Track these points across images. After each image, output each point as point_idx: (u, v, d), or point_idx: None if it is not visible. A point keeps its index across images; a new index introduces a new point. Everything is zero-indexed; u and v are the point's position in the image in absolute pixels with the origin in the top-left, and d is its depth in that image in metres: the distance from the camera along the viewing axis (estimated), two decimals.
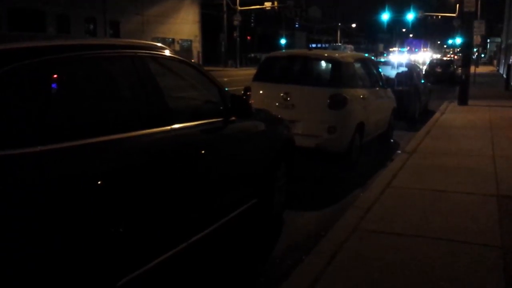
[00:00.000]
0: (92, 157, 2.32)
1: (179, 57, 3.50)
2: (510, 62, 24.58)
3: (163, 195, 2.79)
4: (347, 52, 65.10)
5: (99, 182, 2.28)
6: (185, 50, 49.40)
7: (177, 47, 48.10)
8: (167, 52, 3.29)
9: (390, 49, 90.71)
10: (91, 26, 37.97)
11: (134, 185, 2.54)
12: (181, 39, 48.65)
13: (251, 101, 6.77)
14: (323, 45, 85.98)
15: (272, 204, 4.34)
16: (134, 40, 3.20)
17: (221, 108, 3.64)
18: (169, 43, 47.17)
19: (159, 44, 3.41)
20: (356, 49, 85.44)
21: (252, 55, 58.67)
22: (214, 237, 3.45)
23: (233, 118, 3.63)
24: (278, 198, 4.46)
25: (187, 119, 3.18)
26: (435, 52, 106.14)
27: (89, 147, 2.30)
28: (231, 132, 3.65)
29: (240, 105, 3.67)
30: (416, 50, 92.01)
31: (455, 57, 60.11)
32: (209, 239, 3.37)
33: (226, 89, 3.92)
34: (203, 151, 3.20)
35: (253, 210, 4.07)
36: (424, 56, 77.28)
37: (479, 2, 22.65)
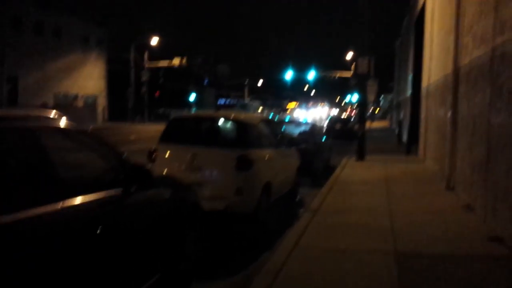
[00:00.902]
0: None
1: (74, 127, 3.29)
2: (401, 118, 27.18)
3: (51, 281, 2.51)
4: (252, 112, 67.91)
5: None
6: (90, 105, 47.66)
7: (80, 103, 46.24)
8: (61, 123, 3.08)
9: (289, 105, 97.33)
10: None
11: (14, 275, 2.24)
12: (85, 95, 46.91)
13: (156, 164, 6.65)
14: (232, 101, 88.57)
15: (178, 278, 4.12)
16: (23, 111, 2.96)
17: (121, 177, 3.45)
18: (72, 99, 45.26)
19: (54, 115, 3.18)
20: (263, 105, 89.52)
21: (161, 110, 58.31)
22: None
23: (134, 188, 3.46)
24: (185, 268, 4.26)
25: (81, 192, 2.96)
26: (335, 108, 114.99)
27: None
28: (131, 204, 3.45)
29: (141, 174, 3.51)
30: (313, 107, 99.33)
31: (353, 112, 65.31)
32: None
33: (125, 154, 3.74)
34: (99, 227, 2.96)
35: (157, 286, 3.82)
36: (322, 112, 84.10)
37: (371, 64, 25.14)
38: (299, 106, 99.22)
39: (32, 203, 2.50)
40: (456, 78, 8.21)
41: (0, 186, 2.48)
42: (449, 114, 8.56)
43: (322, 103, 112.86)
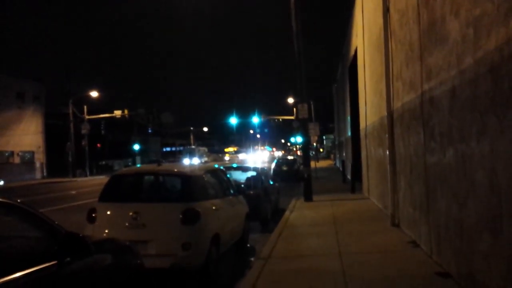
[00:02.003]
0: None
1: (2, 199, 3.07)
2: (344, 158, 28.05)
3: None
4: (200, 156, 68.00)
5: None
6: (27, 162, 45.49)
7: (17, 160, 44.07)
8: None
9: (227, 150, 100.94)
10: None
11: None
12: (21, 151, 44.84)
13: (96, 225, 6.31)
14: (178, 148, 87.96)
15: None
16: None
17: (55, 249, 3.22)
18: (8, 156, 43.03)
19: None
20: (210, 151, 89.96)
21: (104, 162, 56.70)
22: None
23: (69, 259, 3.23)
24: None
25: (11, 270, 2.71)
26: (279, 151, 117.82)
27: None
28: (66, 276, 3.21)
29: (75, 242, 3.29)
30: (254, 150, 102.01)
31: (299, 153, 66.76)
32: None
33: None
34: None
35: None
36: (263, 155, 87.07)
37: (312, 109, 26.08)
38: (242, 150, 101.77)
39: None
40: (391, 120, 8.64)
41: None
42: (387, 154, 8.92)
43: (262, 147, 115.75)
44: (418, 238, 7.10)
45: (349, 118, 21.89)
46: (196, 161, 46.67)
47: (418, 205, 6.87)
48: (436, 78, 5.45)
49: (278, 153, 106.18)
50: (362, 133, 15.29)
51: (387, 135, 8.79)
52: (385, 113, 8.89)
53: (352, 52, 17.84)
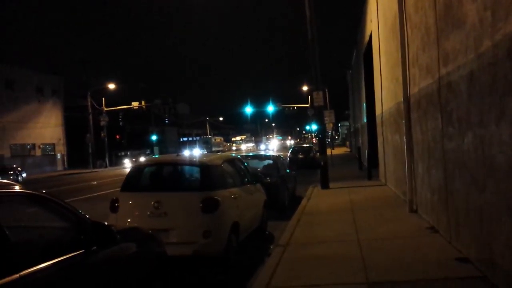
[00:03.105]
0: None
1: (30, 191, 3.19)
2: (360, 144, 27.90)
3: None
4: (215, 147, 68.06)
5: None
6: (48, 154, 46.45)
7: (38, 152, 45.06)
8: (16, 188, 2.99)
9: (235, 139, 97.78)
10: None
11: None
12: (42, 144, 45.80)
13: (119, 214, 6.48)
14: (194, 138, 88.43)
15: None
16: None
17: (82, 238, 3.35)
18: (29, 149, 43.98)
19: (6, 181, 3.10)
20: (225, 140, 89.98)
21: (123, 153, 57.54)
22: None
23: (95, 248, 3.35)
24: None
25: (40, 260, 2.83)
26: (291, 139, 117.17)
27: None
28: (93, 265, 3.34)
29: (101, 232, 3.42)
30: (266, 139, 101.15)
31: (314, 140, 66.48)
32: None
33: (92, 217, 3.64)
34: None
35: None
36: (273, 143, 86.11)
37: (327, 96, 25.94)
38: (251, 138, 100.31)
39: None
40: (408, 106, 8.58)
41: None
42: (404, 139, 8.88)
43: (271, 135, 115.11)
44: (436, 224, 7.09)
45: (364, 104, 21.72)
46: (196, 152, 46.61)
47: (437, 190, 6.86)
48: (454, 62, 5.40)
49: (290, 142, 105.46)
50: (378, 119, 15.19)
51: (404, 121, 8.75)
52: (401, 98, 8.83)
53: (367, 38, 17.64)
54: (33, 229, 3.88)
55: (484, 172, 4.56)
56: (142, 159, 38.92)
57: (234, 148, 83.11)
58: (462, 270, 5.11)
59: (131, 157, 51.21)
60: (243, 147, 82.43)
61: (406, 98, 8.59)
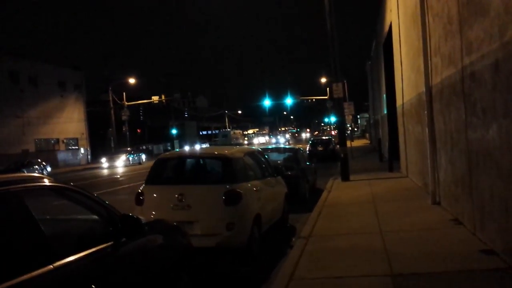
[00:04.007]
0: None
1: (59, 184, 3.30)
2: (380, 136, 27.62)
3: None
4: (234, 140, 67.58)
5: None
6: (71, 149, 47.39)
7: (62, 147, 46.02)
8: (45, 181, 3.10)
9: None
10: None
11: None
12: (66, 138, 46.78)
13: (145, 207, 6.62)
14: (213, 132, 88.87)
15: None
16: (6, 176, 2.96)
17: (111, 230, 3.45)
18: (53, 143, 44.94)
19: (36, 175, 3.21)
20: (244, 134, 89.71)
21: (144, 147, 58.36)
22: None
23: (124, 239, 3.45)
24: None
25: (72, 251, 2.93)
26: (314, 130, 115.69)
27: None
28: (122, 256, 3.43)
29: (130, 225, 3.51)
30: (279, 132, 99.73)
31: (333, 133, 66.04)
32: None
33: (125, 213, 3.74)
34: (92, 286, 2.93)
35: None
36: (285, 136, 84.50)
37: (345, 87, 25.71)
38: (263, 132, 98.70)
39: (19, 271, 2.46)
40: (430, 97, 8.48)
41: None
42: (426, 130, 8.79)
43: (284, 128, 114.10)
44: (460, 216, 7.03)
45: (384, 96, 21.47)
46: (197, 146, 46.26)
47: (460, 182, 6.79)
48: (477, 51, 5.32)
49: (306, 135, 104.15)
50: (399, 111, 15.02)
51: (426, 112, 8.65)
52: (423, 89, 8.72)
53: (387, 28, 17.40)
54: (64, 221, 4.01)
55: (510, 163, 4.50)
56: (121, 160, 38.28)
57: (245, 142, 77.62)
58: (487, 261, 5.07)
59: (151, 150, 51.17)
60: (255, 141, 79.62)
61: (428, 89, 8.49)
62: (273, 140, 75.84)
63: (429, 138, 8.66)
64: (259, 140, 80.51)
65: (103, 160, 38.73)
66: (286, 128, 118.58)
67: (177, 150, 42.40)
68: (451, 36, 6.62)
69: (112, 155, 39.61)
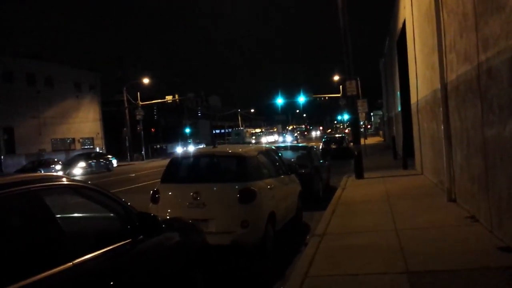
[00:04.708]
0: None
1: (77, 183, 3.37)
2: (394, 134, 27.41)
3: None
4: (247, 138, 66.70)
5: None
6: (87, 148, 48.02)
7: (78, 146, 46.64)
8: (64, 180, 3.17)
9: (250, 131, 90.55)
10: None
11: None
12: (82, 138, 47.44)
13: (160, 205, 6.69)
14: (227, 130, 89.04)
15: None
16: (26, 175, 3.03)
17: (128, 228, 3.51)
18: (69, 143, 45.58)
19: (55, 174, 3.28)
20: (255, 132, 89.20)
21: (158, 146, 58.77)
22: None
23: (141, 237, 3.51)
24: None
25: (90, 249, 2.99)
26: (326, 128, 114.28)
27: None
28: (140, 253, 3.48)
29: (148, 223, 3.57)
30: (287, 130, 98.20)
31: (346, 131, 65.56)
32: None
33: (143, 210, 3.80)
34: (110, 283, 2.98)
35: None
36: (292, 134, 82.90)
37: (359, 85, 25.52)
38: (270, 130, 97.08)
39: (40, 268, 2.52)
40: (445, 94, 8.40)
41: (11, 252, 2.51)
42: (441, 128, 8.71)
43: (293, 126, 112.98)
44: (477, 213, 6.96)
45: (398, 93, 21.29)
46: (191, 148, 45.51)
47: (477, 179, 6.72)
48: (494, 47, 5.26)
49: (316, 133, 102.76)
50: (413, 108, 14.89)
51: (441, 109, 8.57)
52: (438, 86, 8.64)
53: (400, 25, 17.25)
54: (82, 219, 4.08)
55: None
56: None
57: (253, 141, 73.34)
58: (505, 259, 5.01)
59: (165, 149, 50.49)
60: (263, 140, 76.45)
61: (443, 85, 8.41)
62: (280, 139, 74.77)
63: (444, 135, 8.58)
64: (268, 139, 78.74)
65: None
66: (295, 126, 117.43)
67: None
68: (466, 32, 6.55)
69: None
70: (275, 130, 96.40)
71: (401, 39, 17.47)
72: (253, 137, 78.40)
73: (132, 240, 3.44)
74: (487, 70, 5.63)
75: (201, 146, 46.62)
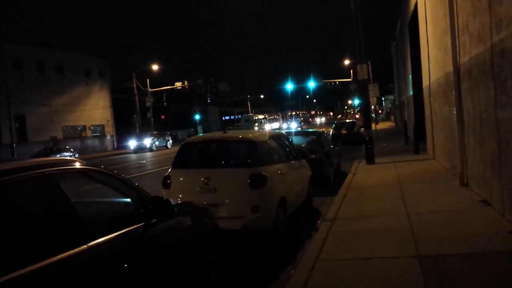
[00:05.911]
0: None
1: (91, 167, 3.41)
2: (406, 118, 27.16)
3: None
4: (257, 124, 65.70)
5: None
6: (98, 135, 48.38)
7: (89, 133, 47.02)
8: (77, 165, 3.20)
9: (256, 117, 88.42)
10: None
11: None
12: (92, 125, 47.75)
13: (172, 190, 6.75)
14: (236, 117, 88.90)
15: None
16: (40, 160, 3.07)
17: (141, 211, 3.55)
18: (80, 130, 45.96)
19: (69, 158, 3.32)
20: (266, 118, 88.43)
21: (168, 133, 58.98)
22: None
23: (154, 220, 3.55)
24: None
25: (105, 232, 3.04)
26: (337, 113, 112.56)
27: None
28: (153, 237, 3.53)
29: (161, 206, 3.60)
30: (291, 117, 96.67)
31: (357, 116, 65.09)
32: None
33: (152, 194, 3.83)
34: (124, 265, 3.04)
35: None
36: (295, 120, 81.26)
37: (370, 69, 25.27)
38: (278, 116, 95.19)
39: (56, 250, 2.58)
40: (458, 76, 8.28)
41: (27, 235, 2.56)
42: (454, 111, 8.61)
43: (296, 112, 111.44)
44: (489, 197, 6.91)
45: (410, 76, 21.03)
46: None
47: (490, 162, 6.66)
48: (507, 28, 5.16)
49: (321, 119, 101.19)
50: (425, 91, 14.72)
51: (453, 92, 8.46)
52: (451, 68, 8.52)
53: (412, 7, 16.96)
54: (96, 203, 4.13)
55: None
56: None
57: (255, 128, 69.11)
58: None
59: (175, 136, 51.31)
60: (267, 126, 72.28)
61: (456, 68, 8.28)
62: (285, 126, 73.44)
63: (457, 119, 8.48)
64: (272, 126, 77.19)
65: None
66: (298, 112, 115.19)
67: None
68: (479, 13, 6.42)
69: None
70: (276, 117, 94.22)
71: (413, 21, 17.19)
72: (256, 124, 76.43)
73: (145, 223, 3.48)
74: (500, 52, 5.53)
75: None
